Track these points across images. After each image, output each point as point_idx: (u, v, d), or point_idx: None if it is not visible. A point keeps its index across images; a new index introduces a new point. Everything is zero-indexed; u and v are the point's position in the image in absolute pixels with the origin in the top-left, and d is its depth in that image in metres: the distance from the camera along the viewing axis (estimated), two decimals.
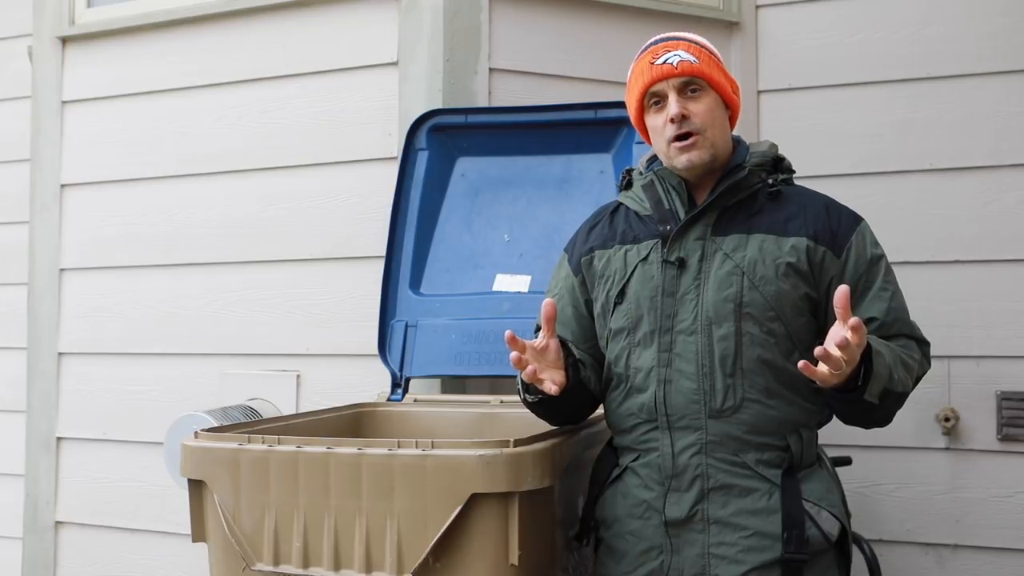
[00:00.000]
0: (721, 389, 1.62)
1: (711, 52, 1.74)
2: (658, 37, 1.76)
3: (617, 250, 1.77)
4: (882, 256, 1.70)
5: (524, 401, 1.74)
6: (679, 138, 1.68)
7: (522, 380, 1.66)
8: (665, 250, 1.70)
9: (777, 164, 1.77)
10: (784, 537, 1.57)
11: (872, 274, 1.68)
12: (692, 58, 1.68)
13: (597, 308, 1.79)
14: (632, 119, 1.81)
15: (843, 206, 1.74)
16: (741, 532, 1.60)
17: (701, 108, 1.69)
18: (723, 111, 1.74)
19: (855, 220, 1.72)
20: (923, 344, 1.71)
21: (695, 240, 1.69)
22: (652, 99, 1.72)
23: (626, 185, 1.84)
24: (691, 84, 1.69)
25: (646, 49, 1.75)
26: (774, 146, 1.79)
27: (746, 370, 1.62)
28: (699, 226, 1.70)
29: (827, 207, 1.72)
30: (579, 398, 1.73)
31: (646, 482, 1.68)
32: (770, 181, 1.72)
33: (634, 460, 1.71)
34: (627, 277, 1.73)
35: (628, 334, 1.71)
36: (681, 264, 1.68)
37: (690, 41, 1.73)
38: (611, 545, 1.73)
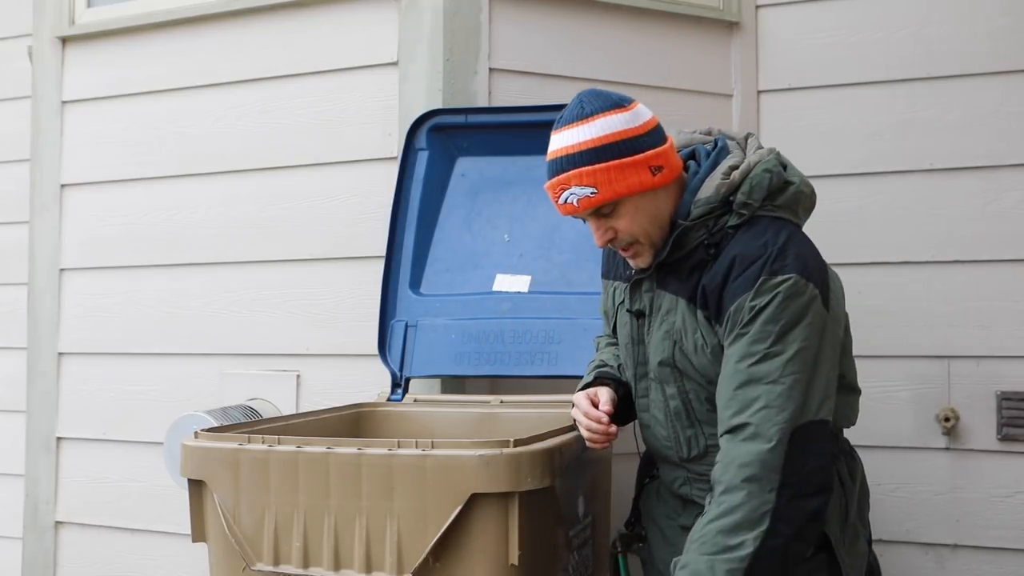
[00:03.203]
0: (684, 440, 1.67)
1: (609, 154, 1.54)
2: (549, 156, 1.60)
3: (609, 285, 1.83)
4: (742, 320, 1.50)
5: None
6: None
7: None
8: (629, 299, 1.73)
9: (727, 205, 1.58)
10: None
11: (730, 337, 1.52)
12: (589, 191, 1.54)
13: None
14: None
15: (751, 265, 1.51)
16: None
17: (624, 222, 1.59)
18: (648, 197, 1.58)
19: (749, 284, 1.50)
20: (743, 433, 1.45)
21: (646, 292, 1.69)
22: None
23: None
24: (601, 209, 1.58)
25: (546, 178, 1.62)
26: (727, 182, 1.57)
27: (702, 421, 1.64)
28: (648, 280, 1.68)
29: (732, 265, 1.53)
30: (633, 418, 1.80)
31: (662, 493, 1.80)
32: (707, 242, 1.58)
33: (657, 470, 1.83)
34: (614, 318, 1.81)
35: (625, 370, 1.80)
36: (640, 315, 1.70)
37: (580, 164, 1.55)
38: (646, 535, 1.84)
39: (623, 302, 1.74)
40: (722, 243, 1.57)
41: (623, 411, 1.75)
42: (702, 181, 1.61)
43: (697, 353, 1.59)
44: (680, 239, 1.59)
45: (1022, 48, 2.60)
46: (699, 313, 1.58)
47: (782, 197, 1.61)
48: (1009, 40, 2.60)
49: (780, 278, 1.50)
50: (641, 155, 1.55)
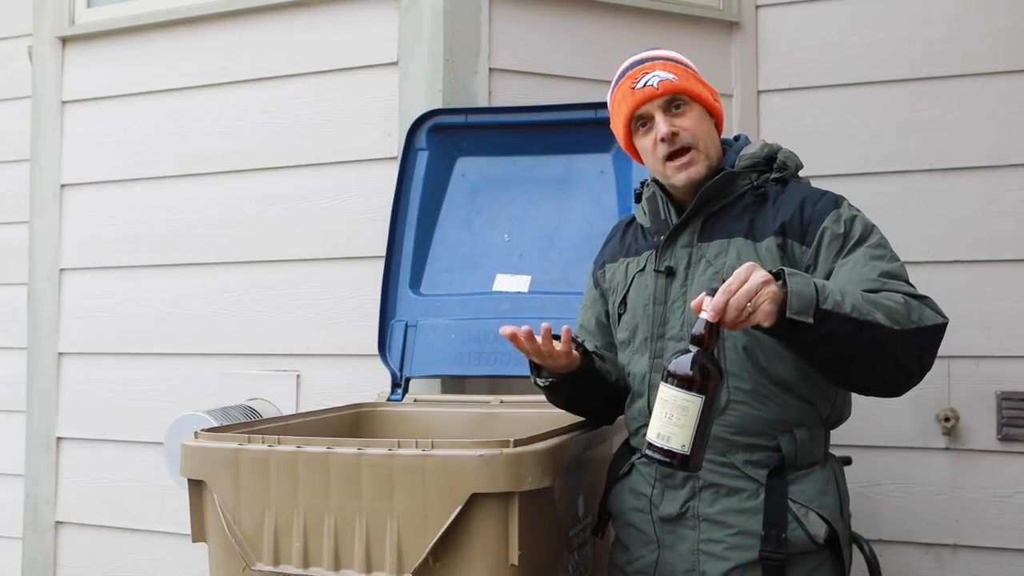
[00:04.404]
0: None
1: (687, 65, 1.75)
2: (633, 60, 1.77)
3: (621, 263, 1.84)
4: (848, 232, 1.64)
5: (537, 385, 1.77)
6: (673, 156, 1.70)
7: (533, 366, 1.72)
8: (657, 259, 1.74)
9: (770, 163, 1.75)
10: (763, 536, 1.59)
11: (843, 250, 1.63)
12: (671, 76, 1.70)
13: (612, 319, 1.85)
14: (621, 144, 1.82)
15: (824, 195, 1.70)
16: (727, 530, 1.62)
17: (689, 122, 1.70)
18: (709, 121, 1.75)
19: (831, 205, 1.67)
20: (915, 297, 1.58)
21: (682, 248, 1.73)
22: (639, 122, 1.74)
23: (637, 198, 1.88)
24: (675, 101, 1.71)
25: (624, 74, 1.75)
26: (769, 145, 1.77)
27: (731, 373, 1.63)
28: (686, 234, 1.73)
29: (804, 200, 1.68)
30: (592, 386, 1.77)
31: (647, 479, 1.73)
32: (756, 184, 1.72)
33: (639, 458, 1.76)
34: (627, 288, 1.80)
35: (629, 343, 1.78)
36: (670, 273, 1.72)
37: (666, 59, 1.74)
38: (618, 536, 1.79)
39: (643, 269, 1.77)
40: (769, 191, 1.71)
41: (582, 377, 1.71)
42: (743, 145, 1.78)
43: None
44: (727, 185, 1.71)
45: (1022, 48, 2.60)
46: (767, 242, 1.65)
47: (804, 180, 1.79)
48: (1010, 40, 2.60)
49: (854, 206, 1.70)
50: (707, 84, 1.76)
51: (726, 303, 1.39)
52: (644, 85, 1.69)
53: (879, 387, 1.57)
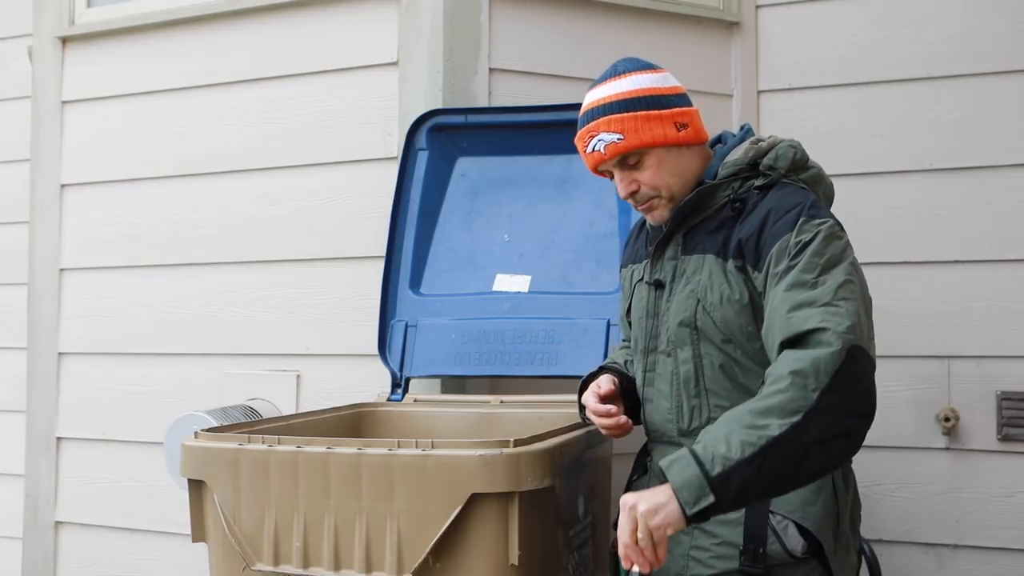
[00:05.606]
0: (687, 410, 1.65)
1: (639, 101, 1.65)
2: (584, 110, 1.70)
3: (628, 269, 1.85)
4: (790, 258, 1.52)
5: (583, 423, 1.83)
6: (637, 203, 1.71)
7: (581, 405, 1.76)
8: (650, 271, 1.75)
9: (755, 168, 1.65)
10: (741, 550, 1.59)
11: (775, 284, 1.52)
12: (616, 137, 1.64)
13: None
14: None
15: (788, 212, 1.56)
16: (713, 539, 1.63)
17: (647, 175, 1.66)
18: (673, 153, 1.67)
19: (787, 227, 1.54)
20: (801, 342, 1.43)
21: (669, 260, 1.72)
22: (604, 173, 1.73)
23: None
24: (627, 159, 1.66)
25: (577, 131, 1.71)
26: (756, 147, 1.66)
27: (709, 390, 1.63)
28: (672, 246, 1.72)
29: (767, 217, 1.57)
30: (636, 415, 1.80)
31: (650, 484, 1.72)
32: (734, 197, 1.64)
33: (649, 460, 1.78)
34: (630, 297, 1.81)
35: (635, 351, 1.79)
36: (659, 285, 1.72)
37: (610, 110, 1.65)
38: None
39: (642, 278, 1.77)
40: (748, 201, 1.62)
41: (631, 405, 1.76)
42: (732, 148, 1.69)
43: (722, 305, 1.60)
44: (705, 198, 1.65)
45: (1022, 48, 2.60)
46: (730, 263, 1.60)
47: (805, 174, 1.67)
48: (1009, 40, 2.61)
49: (819, 220, 1.55)
50: (667, 110, 1.66)
51: (625, 552, 1.39)
52: (592, 150, 1.67)
53: (829, 468, 1.47)
